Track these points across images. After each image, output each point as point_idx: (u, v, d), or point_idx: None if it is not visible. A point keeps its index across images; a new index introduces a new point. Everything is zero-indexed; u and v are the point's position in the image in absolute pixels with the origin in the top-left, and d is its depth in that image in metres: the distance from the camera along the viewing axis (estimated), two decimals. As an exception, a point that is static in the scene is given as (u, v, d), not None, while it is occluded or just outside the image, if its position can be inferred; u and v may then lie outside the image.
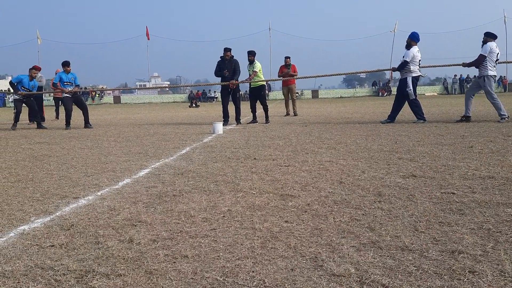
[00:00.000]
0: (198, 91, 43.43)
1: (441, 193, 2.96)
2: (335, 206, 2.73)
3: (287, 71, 13.20)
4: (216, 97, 42.90)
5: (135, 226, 2.43)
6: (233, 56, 10.44)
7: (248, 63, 10.64)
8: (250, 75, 10.58)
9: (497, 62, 8.58)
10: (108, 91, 51.68)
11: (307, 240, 2.14)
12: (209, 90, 44.28)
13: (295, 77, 13.47)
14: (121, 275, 1.77)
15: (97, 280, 1.74)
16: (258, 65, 10.52)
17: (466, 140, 5.74)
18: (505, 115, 8.22)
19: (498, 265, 1.75)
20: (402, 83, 9.02)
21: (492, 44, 8.45)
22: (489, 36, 8.58)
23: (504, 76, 30.26)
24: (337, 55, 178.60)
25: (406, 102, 9.05)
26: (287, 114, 13.55)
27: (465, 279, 1.63)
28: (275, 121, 10.83)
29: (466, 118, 8.55)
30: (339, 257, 1.91)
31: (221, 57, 10.49)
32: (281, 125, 9.40)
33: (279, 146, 5.79)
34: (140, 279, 1.74)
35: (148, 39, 46.24)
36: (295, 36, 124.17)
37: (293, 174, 3.79)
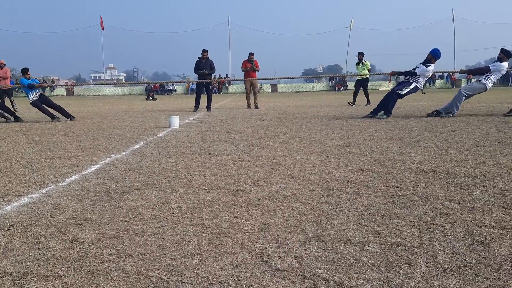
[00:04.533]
0: (155, 83, 42.59)
1: (386, 186, 3.07)
2: (285, 201, 2.77)
3: (251, 66, 13.57)
4: (175, 90, 42.29)
5: (80, 225, 2.37)
6: (208, 57, 12.62)
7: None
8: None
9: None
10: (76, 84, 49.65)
11: (255, 236, 2.16)
12: (167, 83, 43.51)
13: (296, 77, 13.95)
14: (61, 276, 1.72)
15: (35, 282, 1.69)
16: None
17: (414, 134, 5.98)
18: (451, 113, 8.66)
19: (432, 256, 1.85)
20: (406, 83, 8.86)
21: (505, 65, 8.86)
22: (506, 55, 8.87)
23: (452, 73, 31.75)
24: (296, 49, 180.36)
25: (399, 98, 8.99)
26: (248, 107, 13.77)
27: (401, 271, 1.71)
28: (233, 115, 10.84)
29: (437, 113, 8.86)
30: (284, 252, 1.95)
31: (199, 57, 12.59)
32: (238, 120, 9.41)
33: (235, 140, 5.80)
34: (80, 280, 1.70)
35: (103, 29, 44.80)
36: (254, 30, 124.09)
37: (246, 169, 3.81)
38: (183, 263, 1.84)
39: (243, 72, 13.85)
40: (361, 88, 14.71)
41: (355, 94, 14.65)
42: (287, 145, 5.22)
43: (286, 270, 1.75)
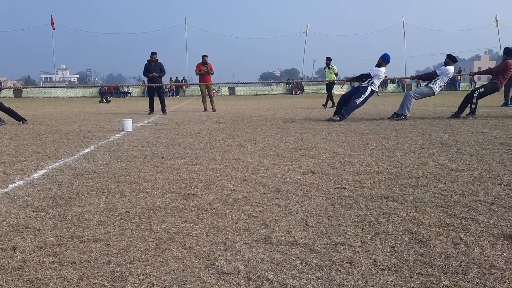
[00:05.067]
0: (109, 86, 41.47)
1: (334, 188, 3.16)
2: (235, 204, 2.79)
3: (205, 69, 13.55)
4: (130, 92, 41.39)
5: (21, 232, 2.28)
6: (158, 59, 12.70)
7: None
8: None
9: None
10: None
11: (203, 240, 2.17)
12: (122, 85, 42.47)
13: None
14: (-3, 287, 1.65)
15: (-31, 294, 1.61)
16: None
17: (364, 137, 6.18)
18: (403, 115, 9.03)
19: (372, 255, 1.92)
20: (362, 89, 9.13)
21: (451, 69, 9.33)
22: (452, 60, 9.39)
23: (403, 78, 33.11)
24: (254, 53, 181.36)
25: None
26: (205, 110, 13.72)
27: (342, 270, 1.77)
28: (189, 118, 10.76)
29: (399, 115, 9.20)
30: (231, 254, 1.96)
31: (148, 60, 12.64)
32: (194, 123, 9.35)
33: (189, 144, 5.77)
34: (18, 290, 1.64)
35: (54, 29, 43.17)
36: (212, 33, 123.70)
37: (199, 173, 3.80)
38: (128, 269, 1.82)
39: (197, 76, 13.81)
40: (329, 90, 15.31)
41: (331, 97, 15.21)
42: (241, 149, 5.25)
43: (232, 273, 1.76)
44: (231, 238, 2.18)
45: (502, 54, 9.91)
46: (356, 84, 9.71)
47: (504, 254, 1.89)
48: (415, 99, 9.42)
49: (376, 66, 9.26)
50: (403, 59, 48.03)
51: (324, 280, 1.69)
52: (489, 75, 10.12)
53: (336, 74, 15.48)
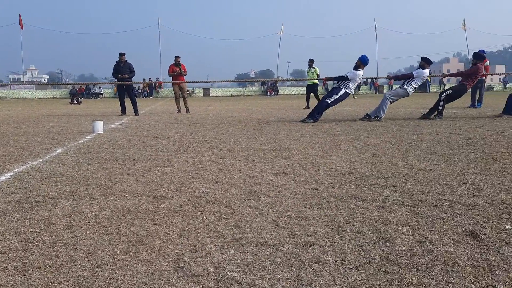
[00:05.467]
0: (81, 86, 40.59)
1: (306, 189, 3.19)
2: (207, 206, 2.78)
3: (178, 70, 13.47)
4: (102, 93, 40.67)
5: (-16, 238, 2.21)
6: (127, 60, 12.61)
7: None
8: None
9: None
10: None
11: (173, 242, 2.15)
12: (94, 85, 41.72)
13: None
14: (-44, 295, 1.60)
15: None
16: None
17: (337, 138, 6.26)
18: (378, 117, 9.22)
19: (341, 254, 1.95)
20: (336, 90, 9.28)
21: (426, 72, 9.58)
22: (427, 62, 9.61)
23: (375, 79, 33.76)
24: (229, 54, 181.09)
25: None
26: (178, 111, 13.61)
27: (311, 269, 1.79)
28: (162, 120, 10.65)
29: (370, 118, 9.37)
30: (201, 257, 1.95)
31: (117, 61, 12.55)
32: (167, 124, 9.26)
33: (162, 145, 5.71)
34: (-21, 297, 1.59)
35: (22, 28, 42.00)
36: (186, 34, 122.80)
37: (170, 175, 3.77)
38: (95, 273, 1.79)
39: (170, 77, 13.71)
40: (311, 92, 15.54)
41: (307, 98, 15.43)
42: (214, 150, 5.23)
43: (201, 275, 1.76)
44: (202, 240, 2.17)
45: (472, 58, 10.24)
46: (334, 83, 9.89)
47: (467, 251, 1.95)
48: (391, 102, 9.62)
49: (354, 69, 9.40)
50: (375, 61, 48.91)
51: (293, 280, 1.70)
52: (458, 77, 10.45)
53: (318, 76, 15.78)
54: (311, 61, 15.90)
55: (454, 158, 4.36)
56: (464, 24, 45.66)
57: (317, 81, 15.91)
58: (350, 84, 9.27)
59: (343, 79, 9.29)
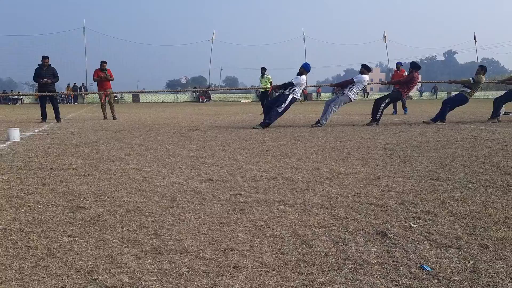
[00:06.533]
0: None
1: (230, 195, 3.21)
2: (127, 215, 2.70)
3: (103, 75, 13.00)
4: (21, 99, 38.06)
5: None
6: (50, 64, 12.03)
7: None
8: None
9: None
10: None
11: (87, 254, 2.06)
12: (11, 90, 38.88)
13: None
14: None
15: None
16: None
17: (265, 144, 6.37)
18: (320, 123, 9.61)
19: (259, 258, 1.98)
20: (284, 96, 9.51)
21: (366, 77, 10.00)
22: (366, 69, 10.07)
23: (319, 86, 35.16)
24: (160, 60, 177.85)
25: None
26: (105, 118, 13.10)
27: (228, 274, 1.80)
28: (86, 127, 10.19)
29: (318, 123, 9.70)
30: (116, 267, 1.89)
31: (39, 64, 11.92)
32: (92, 132, 8.88)
33: (84, 154, 5.46)
34: None
35: None
36: (113, 38, 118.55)
37: (90, 184, 3.61)
38: (-3, 291, 1.66)
39: (95, 82, 13.21)
40: (265, 99, 15.85)
41: (262, 105, 15.62)
42: (140, 158, 5.10)
43: (115, 286, 1.70)
44: (118, 250, 2.10)
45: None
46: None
47: (376, 250, 2.07)
48: (336, 110, 10.00)
49: (298, 74, 9.74)
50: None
51: (210, 286, 1.70)
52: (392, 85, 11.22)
53: (271, 83, 16.22)
54: (263, 69, 16.59)
55: (372, 162, 4.62)
56: (385, 36, 48.67)
57: (269, 87, 16.35)
58: (296, 89, 9.61)
59: (289, 86, 9.61)
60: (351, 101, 10.11)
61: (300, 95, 10.01)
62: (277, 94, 10.37)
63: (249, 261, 1.94)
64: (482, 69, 10.57)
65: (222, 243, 2.18)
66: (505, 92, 11.24)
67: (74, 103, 36.42)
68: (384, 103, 10.05)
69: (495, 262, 1.90)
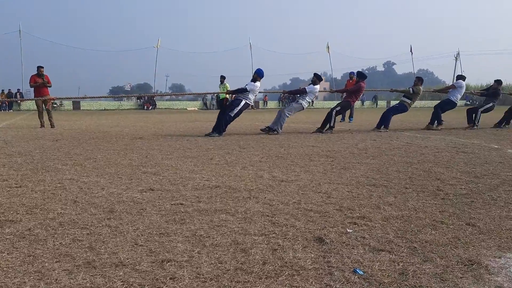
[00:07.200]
0: None
1: (171, 204, 3.16)
2: (60, 228, 2.58)
3: (41, 81, 12.39)
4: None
5: None
6: None
7: None
8: None
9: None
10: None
11: (15, 270, 1.94)
12: None
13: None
14: None
15: None
16: None
17: (210, 152, 6.34)
18: (276, 131, 9.76)
19: (197, 268, 1.97)
20: (236, 101, 9.52)
21: (318, 87, 10.23)
22: (318, 78, 10.32)
23: (266, 95, 35.59)
24: (102, 66, 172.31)
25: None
26: (42, 126, 12.42)
27: (165, 286, 1.77)
28: (21, 135, 9.63)
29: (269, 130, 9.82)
30: (45, 284, 1.80)
31: None
32: (27, 140, 8.41)
33: (16, 164, 5.16)
34: None
35: None
36: (52, 42, 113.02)
37: (22, 196, 3.41)
38: None
39: (32, 88, 12.57)
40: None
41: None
42: (78, 168, 4.89)
43: (43, 304, 1.62)
44: (48, 265, 2.00)
45: (355, 76, 11.52)
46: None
47: (312, 256, 2.12)
48: (288, 116, 10.17)
49: (251, 81, 9.83)
50: (250, 78, 50.97)
51: (145, 299, 1.66)
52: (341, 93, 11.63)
53: None
54: (222, 78, 16.86)
55: (313, 169, 4.73)
56: (328, 47, 50.23)
57: (228, 96, 16.37)
58: (249, 95, 9.70)
59: (242, 91, 9.69)
60: (303, 109, 10.40)
61: (253, 101, 10.17)
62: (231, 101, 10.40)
63: (186, 272, 1.92)
64: (419, 80, 11.22)
65: (160, 254, 2.14)
66: (441, 100, 11.97)
67: (8, 111, 34.33)
68: (334, 111, 10.42)
69: (422, 264, 2.01)
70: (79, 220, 2.75)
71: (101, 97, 42.91)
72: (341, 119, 15.24)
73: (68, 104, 37.87)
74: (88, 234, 2.47)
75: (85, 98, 37.61)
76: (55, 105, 33.13)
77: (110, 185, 3.87)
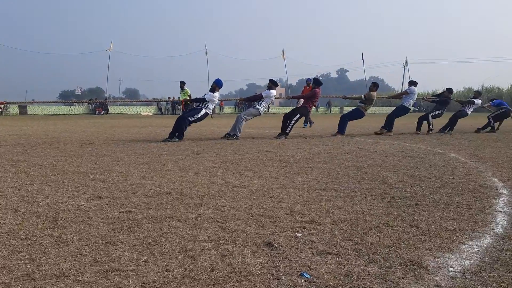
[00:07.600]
0: None
1: (119, 212, 3.07)
2: (-2, 240, 2.44)
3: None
4: None
5: None
6: None
7: None
8: None
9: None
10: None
11: None
12: None
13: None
14: None
15: None
16: None
17: (163, 158, 6.23)
18: (236, 136, 9.81)
19: (143, 277, 1.92)
20: (197, 110, 9.62)
21: (273, 92, 10.36)
22: (273, 84, 10.48)
23: (222, 100, 35.66)
24: (50, 70, 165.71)
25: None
26: (-20, 132, 11.73)
27: (108, 297, 1.72)
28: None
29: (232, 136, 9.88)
30: (-22, 300, 1.70)
31: None
32: (-35, 146, 7.91)
33: (-47, 172, 4.84)
34: None
35: None
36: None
37: (-43, 206, 3.20)
38: None
39: None
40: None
41: None
42: (21, 175, 4.66)
43: (-27, 322, 1.52)
44: (-17, 280, 1.89)
45: (311, 82, 11.78)
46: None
47: (261, 261, 2.13)
48: (245, 121, 10.23)
49: (210, 91, 9.89)
50: (207, 83, 50.83)
51: (86, 311, 1.60)
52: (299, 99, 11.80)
53: (190, 96, 16.30)
54: (182, 83, 16.73)
55: (267, 174, 4.77)
56: (283, 53, 50.94)
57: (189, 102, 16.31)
58: (209, 105, 9.77)
59: (201, 101, 9.72)
60: (260, 114, 10.49)
61: (212, 110, 10.23)
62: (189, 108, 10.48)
63: (132, 281, 1.87)
64: (374, 85, 11.62)
65: (105, 264, 2.07)
66: (395, 107, 12.46)
67: None
68: (294, 119, 10.56)
69: (367, 266, 2.07)
70: (20, 230, 2.62)
71: (50, 102, 41.19)
72: (310, 124, 15.52)
73: (13, 109, 36.00)
74: (28, 244, 2.36)
75: (33, 102, 35.92)
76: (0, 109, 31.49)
77: (55, 193, 3.71)
